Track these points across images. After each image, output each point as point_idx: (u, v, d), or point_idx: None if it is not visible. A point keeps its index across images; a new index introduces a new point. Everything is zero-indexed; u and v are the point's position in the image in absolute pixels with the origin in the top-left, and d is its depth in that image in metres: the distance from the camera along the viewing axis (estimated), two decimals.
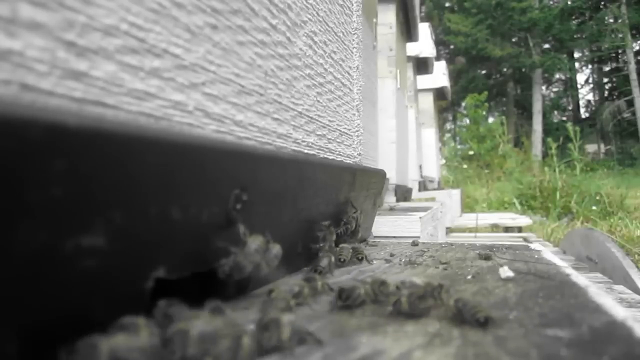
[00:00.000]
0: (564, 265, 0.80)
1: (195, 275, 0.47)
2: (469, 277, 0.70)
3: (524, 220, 4.45)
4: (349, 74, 1.15)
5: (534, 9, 20.27)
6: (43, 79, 0.33)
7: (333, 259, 0.76)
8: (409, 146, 3.53)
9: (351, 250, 0.84)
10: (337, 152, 1.06)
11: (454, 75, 20.32)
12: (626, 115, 19.91)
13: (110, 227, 0.35)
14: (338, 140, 1.06)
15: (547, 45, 21.96)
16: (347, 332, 0.44)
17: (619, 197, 6.07)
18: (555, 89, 26.05)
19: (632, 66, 19.32)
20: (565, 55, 21.32)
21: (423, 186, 4.54)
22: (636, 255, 2.80)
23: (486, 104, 13.56)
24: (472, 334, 0.43)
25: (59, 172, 0.30)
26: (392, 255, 0.95)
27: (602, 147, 21.72)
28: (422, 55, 4.47)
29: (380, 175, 1.29)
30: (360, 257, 0.85)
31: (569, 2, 20.79)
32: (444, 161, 10.88)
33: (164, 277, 0.42)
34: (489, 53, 20.34)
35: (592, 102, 25.15)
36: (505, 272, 0.69)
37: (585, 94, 25.62)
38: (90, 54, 0.37)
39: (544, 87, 23.82)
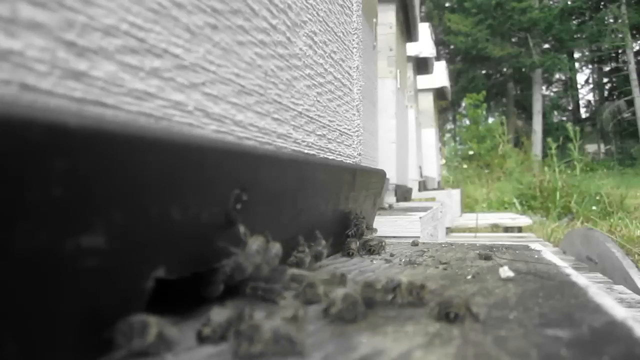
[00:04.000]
0: (564, 265, 0.80)
1: (195, 275, 0.47)
2: (469, 277, 0.70)
3: (524, 220, 4.45)
4: (349, 74, 1.15)
5: (534, 9, 20.26)
6: (43, 79, 0.33)
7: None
8: (409, 146, 3.53)
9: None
10: (337, 152, 1.06)
11: (454, 75, 20.33)
12: (626, 115, 19.90)
13: (110, 227, 0.35)
14: (338, 140, 1.06)
15: (547, 45, 21.96)
16: (347, 332, 0.44)
17: (619, 197, 6.07)
18: (555, 89, 26.06)
19: (632, 66, 19.32)
20: (565, 55, 21.32)
21: (423, 186, 4.54)
22: (636, 255, 2.80)
23: (484, 104, 13.56)
24: (472, 334, 0.43)
25: (59, 172, 0.30)
26: (392, 255, 0.95)
27: (602, 147, 21.72)
28: (422, 55, 4.47)
29: (380, 175, 1.29)
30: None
31: (569, 2, 20.79)
32: (444, 161, 10.88)
33: (164, 277, 0.42)
34: (489, 53, 20.34)
35: (592, 102, 25.16)
36: (505, 272, 0.69)
37: (585, 94, 25.65)
38: (90, 54, 0.37)
39: (544, 87, 23.82)
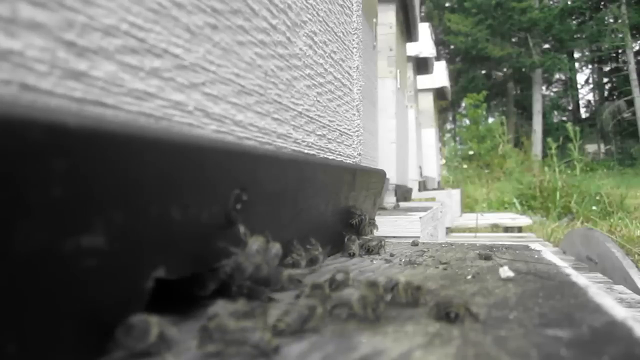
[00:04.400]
0: (564, 265, 0.80)
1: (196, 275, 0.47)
2: (469, 277, 0.70)
3: (524, 220, 4.45)
4: (349, 74, 1.15)
5: (534, 9, 20.27)
6: (43, 79, 0.33)
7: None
8: (409, 146, 3.53)
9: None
10: (337, 152, 1.06)
11: (454, 75, 20.33)
12: (626, 115, 19.90)
13: (110, 227, 0.35)
14: (338, 140, 1.06)
15: (547, 45, 21.97)
16: (347, 332, 0.44)
17: (619, 197, 6.07)
18: (555, 89, 26.06)
19: (632, 66, 19.32)
20: (565, 55, 21.32)
21: (423, 186, 4.54)
22: (636, 255, 2.80)
23: (484, 104, 13.56)
24: (472, 334, 0.43)
25: (58, 172, 0.30)
26: (392, 255, 0.95)
27: (602, 147, 21.72)
28: (422, 55, 4.46)
29: (380, 175, 1.29)
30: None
31: (569, 2, 20.79)
32: (444, 161, 10.88)
33: (164, 277, 0.42)
34: (489, 53, 20.34)
35: (592, 102, 25.17)
36: (505, 272, 0.69)
37: (585, 94, 25.66)
38: (90, 54, 0.37)
39: (544, 87, 23.82)
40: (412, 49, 3.95)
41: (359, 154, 1.24)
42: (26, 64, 0.32)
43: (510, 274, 0.69)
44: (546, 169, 7.40)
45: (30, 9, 0.32)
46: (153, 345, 0.36)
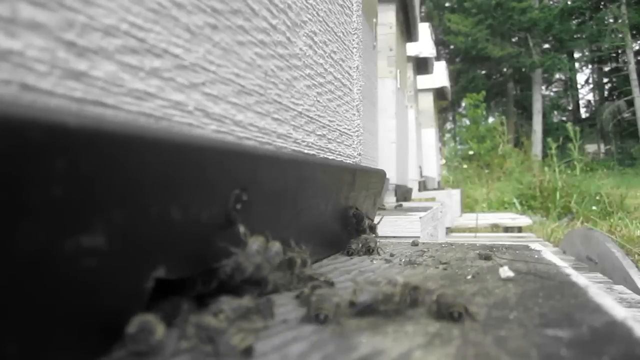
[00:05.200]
0: (564, 265, 0.80)
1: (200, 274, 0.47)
2: (469, 277, 0.70)
3: (524, 220, 4.45)
4: (349, 74, 1.15)
5: (534, 9, 20.27)
6: (43, 79, 0.33)
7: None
8: (409, 146, 3.53)
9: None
10: (337, 152, 1.06)
11: (454, 75, 20.33)
12: (626, 115, 19.89)
13: (110, 227, 0.35)
14: (338, 140, 1.06)
15: (547, 45, 21.97)
16: (347, 332, 0.44)
17: (619, 197, 6.07)
18: (555, 89, 26.06)
19: (632, 66, 19.31)
20: (565, 55, 21.32)
21: (423, 186, 4.54)
22: (636, 255, 2.80)
23: (484, 104, 13.56)
24: (472, 334, 0.43)
25: (58, 172, 0.30)
26: (392, 255, 0.95)
27: (602, 147, 21.72)
28: (422, 55, 4.46)
29: (380, 175, 1.29)
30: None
31: (569, 2, 20.79)
32: (444, 161, 10.87)
33: (164, 277, 0.42)
34: (489, 53, 20.34)
35: (592, 102, 25.17)
36: (505, 272, 0.69)
37: (585, 94, 25.66)
38: (90, 54, 0.37)
39: (544, 87, 23.82)
40: (412, 49, 3.95)
41: (359, 154, 1.24)
42: (26, 64, 0.32)
43: (510, 274, 0.69)
44: (546, 169, 7.40)
45: (30, 9, 0.32)
46: (158, 345, 0.36)
